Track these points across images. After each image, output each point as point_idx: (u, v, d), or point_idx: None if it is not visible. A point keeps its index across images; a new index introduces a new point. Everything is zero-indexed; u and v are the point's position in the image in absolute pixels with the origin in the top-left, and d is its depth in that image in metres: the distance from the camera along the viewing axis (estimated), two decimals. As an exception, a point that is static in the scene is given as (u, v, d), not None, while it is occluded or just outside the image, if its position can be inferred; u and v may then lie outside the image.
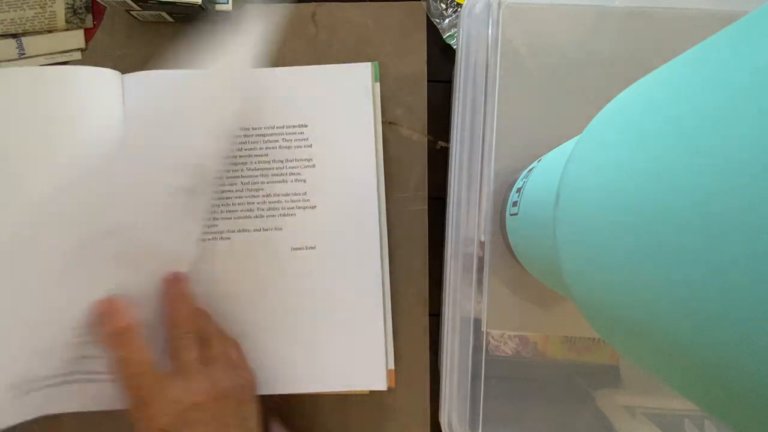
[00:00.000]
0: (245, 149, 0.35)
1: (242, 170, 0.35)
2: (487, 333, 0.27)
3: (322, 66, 0.35)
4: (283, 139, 0.35)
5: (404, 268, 0.37)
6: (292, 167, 0.35)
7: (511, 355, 0.29)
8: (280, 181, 0.35)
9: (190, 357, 0.28)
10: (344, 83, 0.35)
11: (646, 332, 0.11)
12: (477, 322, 0.27)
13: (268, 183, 0.35)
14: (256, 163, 0.35)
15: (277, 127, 0.35)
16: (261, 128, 0.35)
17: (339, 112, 0.35)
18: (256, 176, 0.35)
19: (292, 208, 0.35)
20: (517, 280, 0.28)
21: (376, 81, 0.36)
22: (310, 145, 0.35)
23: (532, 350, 0.29)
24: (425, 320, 0.37)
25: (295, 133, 0.35)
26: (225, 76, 0.34)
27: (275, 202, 0.35)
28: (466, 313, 0.27)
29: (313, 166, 0.35)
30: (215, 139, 0.33)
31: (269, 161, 0.35)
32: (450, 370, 0.27)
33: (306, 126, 0.35)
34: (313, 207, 0.35)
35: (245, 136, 0.35)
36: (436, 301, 0.37)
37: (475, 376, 0.27)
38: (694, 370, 0.09)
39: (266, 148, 0.35)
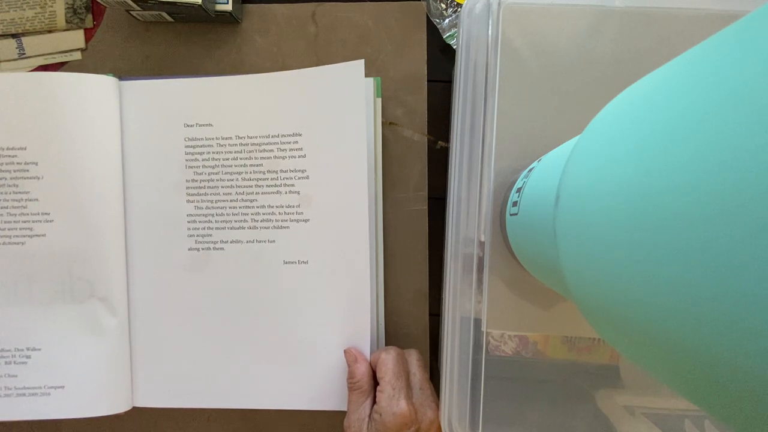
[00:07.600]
0: (241, 158, 0.35)
1: (237, 180, 0.35)
2: (487, 333, 0.27)
3: (312, 68, 0.34)
4: (278, 148, 0.34)
5: (404, 268, 0.37)
6: (286, 178, 0.34)
7: (511, 355, 0.29)
8: (274, 192, 0.34)
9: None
10: (336, 84, 0.33)
11: (646, 332, 0.11)
12: (477, 322, 0.27)
13: (262, 194, 0.34)
14: (251, 173, 0.34)
15: (272, 136, 0.34)
16: (257, 137, 0.34)
17: (332, 116, 0.34)
18: (251, 186, 0.35)
19: (286, 220, 0.34)
20: (517, 280, 0.28)
21: (377, 97, 0.35)
22: (304, 155, 0.34)
23: (532, 350, 0.29)
24: (425, 320, 0.37)
25: (289, 143, 0.34)
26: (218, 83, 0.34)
27: (269, 213, 0.35)
28: (466, 313, 0.27)
29: (307, 177, 0.34)
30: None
31: (264, 171, 0.34)
32: (450, 370, 0.27)
33: (300, 135, 0.34)
34: (307, 220, 0.34)
35: (241, 144, 0.35)
36: (436, 301, 0.37)
37: (475, 376, 0.27)
38: (694, 370, 0.09)
39: (261, 158, 0.34)
